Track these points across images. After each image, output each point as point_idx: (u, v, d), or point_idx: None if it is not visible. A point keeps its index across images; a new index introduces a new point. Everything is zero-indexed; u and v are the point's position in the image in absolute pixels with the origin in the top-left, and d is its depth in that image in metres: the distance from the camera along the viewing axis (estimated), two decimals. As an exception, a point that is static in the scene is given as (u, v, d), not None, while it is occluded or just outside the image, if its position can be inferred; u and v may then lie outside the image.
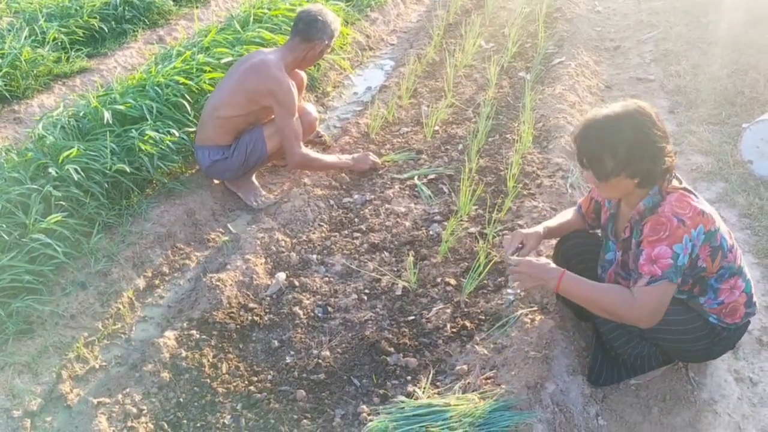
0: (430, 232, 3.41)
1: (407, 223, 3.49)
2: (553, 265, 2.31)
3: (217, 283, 2.94)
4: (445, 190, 3.78)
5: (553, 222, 2.67)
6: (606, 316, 2.26)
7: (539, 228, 2.60)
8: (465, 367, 2.52)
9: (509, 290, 2.90)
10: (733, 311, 2.28)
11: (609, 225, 2.41)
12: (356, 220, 3.58)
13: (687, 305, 2.28)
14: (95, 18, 5.39)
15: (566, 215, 2.68)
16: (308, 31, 3.58)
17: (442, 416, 2.19)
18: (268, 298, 2.99)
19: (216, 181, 3.84)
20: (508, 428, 2.12)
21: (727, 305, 2.26)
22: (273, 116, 3.64)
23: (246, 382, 2.55)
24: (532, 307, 2.73)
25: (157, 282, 3.17)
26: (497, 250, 3.17)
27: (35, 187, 3.16)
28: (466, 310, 2.86)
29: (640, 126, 2.06)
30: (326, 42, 3.64)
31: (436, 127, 4.44)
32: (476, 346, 2.61)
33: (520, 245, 2.51)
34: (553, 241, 2.76)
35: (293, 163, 3.73)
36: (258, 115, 3.67)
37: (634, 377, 2.49)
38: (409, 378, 2.53)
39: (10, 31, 4.90)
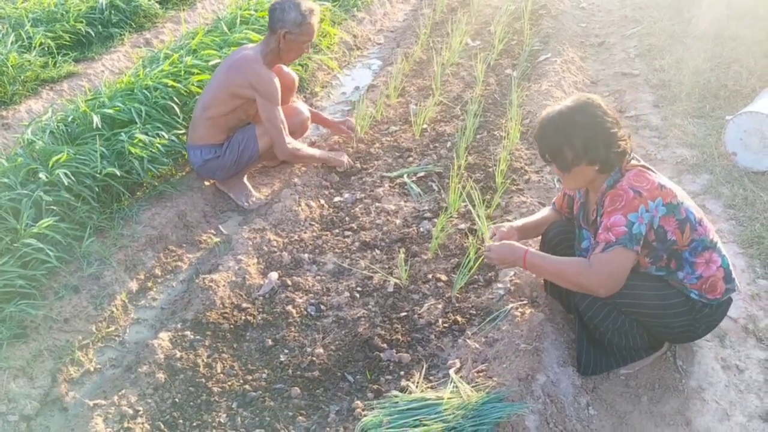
0: (421, 230, 3.45)
1: (398, 221, 3.52)
2: (518, 245, 2.47)
3: (210, 284, 2.96)
4: (435, 187, 3.81)
5: (529, 219, 2.82)
6: (570, 287, 2.40)
7: (514, 223, 2.76)
8: (457, 361, 2.56)
9: (499, 285, 2.95)
10: (713, 287, 2.34)
11: (580, 213, 2.52)
12: (347, 218, 3.60)
13: (667, 282, 2.35)
14: (81, 22, 5.39)
15: (542, 213, 2.83)
16: (270, 22, 3.59)
17: (435, 409, 2.22)
18: (261, 298, 3.01)
19: (207, 183, 3.85)
20: (500, 420, 2.16)
21: (706, 279, 2.32)
22: None
23: (241, 381, 2.57)
24: (522, 300, 2.77)
25: (149, 284, 3.19)
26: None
27: (26, 192, 3.16)
28: (457, 305, 2.89)
29: (591, 116, 2.23)
30: (288, 29, 3.52)
31: (425, 126, 4.47)
32: (468, 340, 2.65)
33: (493, 234, 2.69)
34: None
35: (282, 153, 3.73)
36: (247, 111, 3.68)
37: (623, 366, 2.53)
38: (402, 373, 2.56)
39: (-4, 36, 4.89)
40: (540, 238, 2.79)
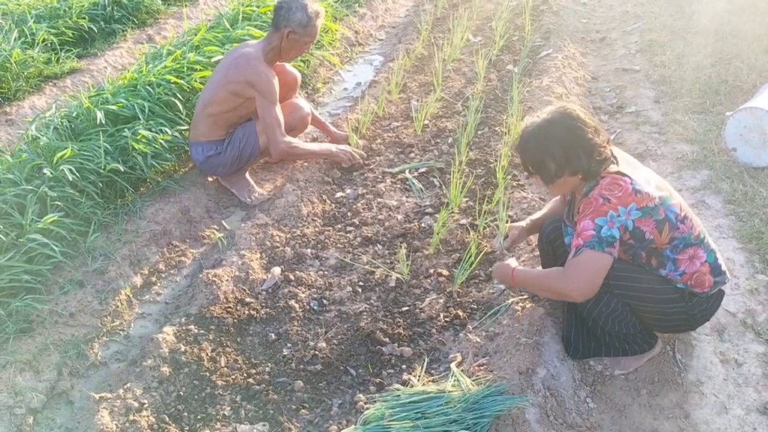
0: (422, 225, 3.47)
1: (399, 216, 3.55)
2: (509, 262, 2.57)
3: (214, 279, 2.99)
4: (436, 183, 3.84)
5: (538, 214, 2.88)
6: (551, 296, 2.50)
7: (523, 222, 2.85)
8: (458, 355, 2.59)
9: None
10: (700, 281, 2.35)
11: (567, 210, 2.55)
12: (349, 214, 3.63)
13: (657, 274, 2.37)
14: (84, 18, 5.40)
15: (550, 205, 2.86)
16: (275, 19, 3.60)
17: (436, 402, 2.25)
18: (264, 293, 3.04)
19: (210, 179, 3.88)
20: (501, 412, 2.19)
21: (690, 275, 2.34)
22: None
23: (244, 375, 2.60)
24: (522, 295, 2.80)
25: (153, 279, 3.21)
26: (487, 240, 3.23)
27: (30, 188, 3.19)
28: (458, 299, 2.92)
29: (570, 128, 2.25)
30: (293, 29, 3.54)
31: (426, 121, 4.49)
32: (469, 334, 2.67)
33: (506, 236, 2.82)
34: None
35: (277, 152, 3.72)
36: (248, 108, 3.69)
37: (616, 363, 2.56)
38: (404, 367, 2.59)
39: (-1, 33, 4.91)
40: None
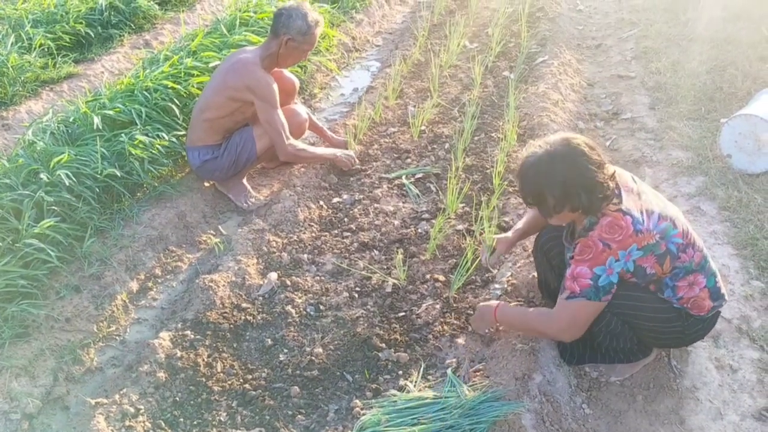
0: (419, 230, 3.48)
1: (396, 222, 3.56)
2: (489, 303, 2.59)
3: (210, 284, 2.99)
4: (433, 188, 3.85)
5: (520, 224, 2.84)
6: (536, 335, 2.49)
7: (509, 233, 2.82)
8: (455, 360, 2.59)
9: (496, 285, 2.98)
10: (698, 305, 2.34)
11: (565, 232, 2.47)
12: (346, 219, 3.63)
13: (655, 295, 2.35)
14: (81, 23, 5.40)
15: (532, 212, 2.79)
16: (274, 26, 3.60)
17: (432, 408, 2.26)
18: (261, 298, 3.04)
19: (207, 184, 3.88)
20: (497, 418, 2.19)
21: (688, 300, 2.32)
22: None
23: (241, 380, 2.60)
24: (518, 300, 2.81)
25: (150, 284, 3.21)
26: (483, 246, 3.24)
27: (27, 192, 3.19)
28: (455, 305, 2.93)
29: (572, 164, 2.16)
30: (292, 36, 3.55)
31: (423, 127, 4.51)
32: (465, 340, 2.68)
33: (493, 249, 2.81)
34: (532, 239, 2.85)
35: (284, 155, 3.76)
36: (245, 114, 3.70)
37: (611, 369, 2.57)
38: (400, 372, 2.59)
39: (-4, 37, 4.91)
40: (534, 241, 2.81)
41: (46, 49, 5.07)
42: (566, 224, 2.41)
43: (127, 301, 3.08)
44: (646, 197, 2.29)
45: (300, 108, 4.08)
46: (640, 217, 2.19)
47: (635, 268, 2.22)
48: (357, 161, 4.09)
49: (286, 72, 3.94)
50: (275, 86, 3.61)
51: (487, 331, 2.69)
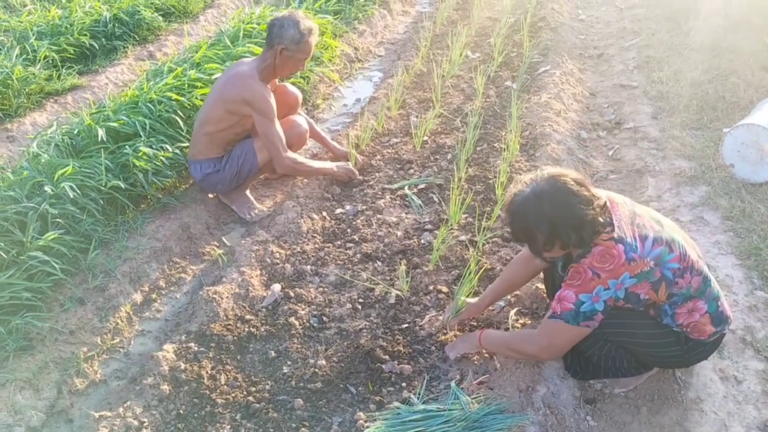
0: (422, 241, 3.48)
1: (399, 233, 3.56)
2: (470, 334, 2.65)
3: (214, 296, 3.00)
4: (435, 199, 3.85)
5: (491, 289, 2.77)
6: (520, 358, 2.50)
7: (479, 300, 2.77)
8: (458, 373, 2.59)
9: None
10: (699, 330, 2.31)
11: (560, 265, 2.47)
12: (349, 230, 3.64)
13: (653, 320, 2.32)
14: (85, 35, 5.44)
15: (506, 274, 2.75)
16: (268, 37, 3.60)
17: (437, 421, 2.25)
18: (264, 310, 3.04)
19: (210, 195, 3.89)
20: (501, 431, 2.19)
21: (688, 325, 2.29)
22: None
23: (244, 393, 2.60)
24: (522, 312, 2.80)
25: (154, 296, 3.22)
26: (487, 257, 3.24)
27: (32, 205, 3.20)
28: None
29: (559, 203, 2.13)
30: (285, 46, 3.53)
31: (425, 138, 4.52)
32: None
33: (459, 310, 2.77)
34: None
35: (281, 168, 3.76)
36: (244, 126, 3.71)
37: (615, 381, 2.56)
38: (404, 384, 2.58)
39: (1, 50, 4.94)
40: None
41: (50, 61, 5.11)
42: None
43: (131, 313, 3.09)
44: (641, 221, 2.25)
45: (300, 119, 4.07)
46: (633, 243, 2.16)
47: (627, 296, 2.19)
48: (356, 173, 4.10)
49: (290, 86, 3.96)
50: (272, 98, 3.61)
51: (459, 354, 2.64)
